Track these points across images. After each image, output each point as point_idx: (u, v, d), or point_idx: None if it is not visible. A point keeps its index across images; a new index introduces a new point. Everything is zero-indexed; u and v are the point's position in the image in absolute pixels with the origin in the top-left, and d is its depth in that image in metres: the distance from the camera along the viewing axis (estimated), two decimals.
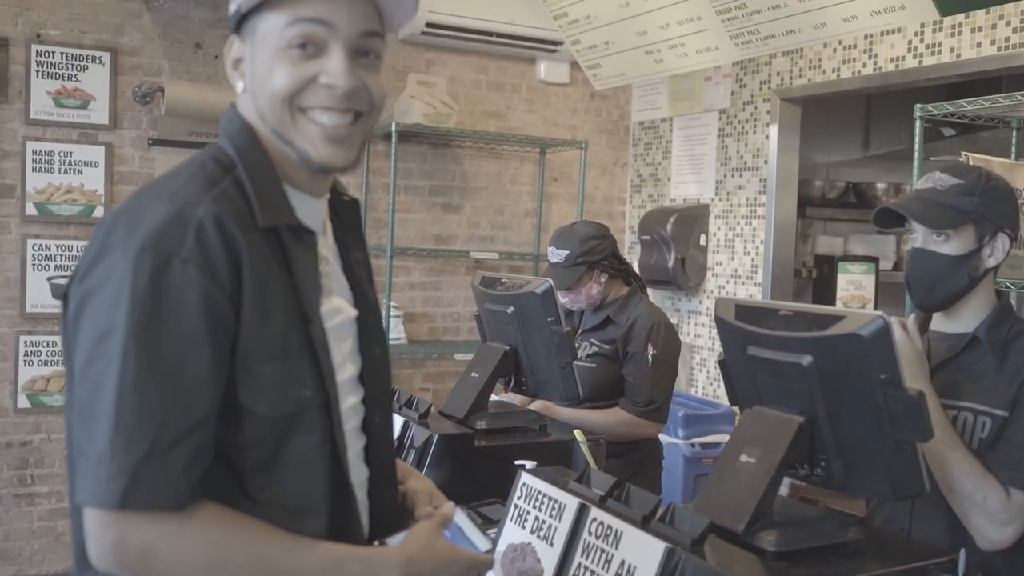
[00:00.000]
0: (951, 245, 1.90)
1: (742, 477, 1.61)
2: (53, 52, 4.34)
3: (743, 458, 1.63)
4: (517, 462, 2.02)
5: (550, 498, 1.77)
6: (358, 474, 1.39)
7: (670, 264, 4.89)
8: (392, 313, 4.87)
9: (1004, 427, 1.85)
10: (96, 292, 1.16)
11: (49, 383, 4.41)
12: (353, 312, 1.40)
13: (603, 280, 3.10)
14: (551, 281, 2.48)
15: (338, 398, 1.31)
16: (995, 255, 1.92)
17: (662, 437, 3.20)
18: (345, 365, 1.35)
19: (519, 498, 1.85)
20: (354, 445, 1.38)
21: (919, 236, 1.94)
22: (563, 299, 3.10)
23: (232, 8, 1.29)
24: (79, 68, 4.39)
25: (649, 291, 4.93)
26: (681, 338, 3.18)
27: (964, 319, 1.96)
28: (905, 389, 1.51)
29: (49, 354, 4.41)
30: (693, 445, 4.36)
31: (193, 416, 1.15)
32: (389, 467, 1.48)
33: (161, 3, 4.47)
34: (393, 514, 1.48)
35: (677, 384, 3.22)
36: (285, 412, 1.23)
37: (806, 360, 1.59)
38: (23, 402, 4.38)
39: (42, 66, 4.33)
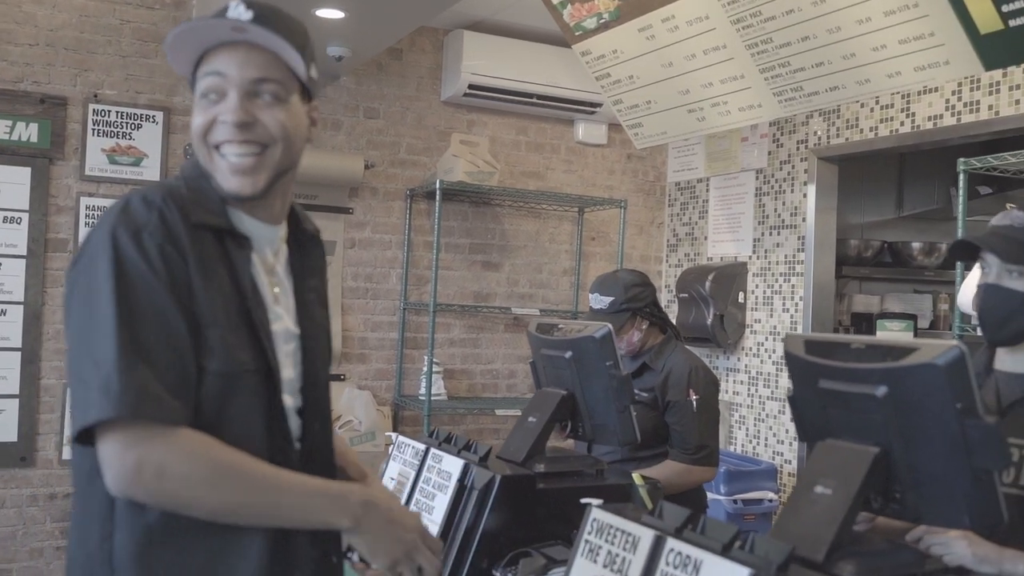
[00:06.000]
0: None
1: (818, 508, 1.62)
2: (109, 111, 4.49)
3: (818, 489, 1.64)
4: (584, 500, 2.03)
5: (623, 531, 1.77)
6: None
7: (708, 321, 4.92)
8: (433, 369, 4.90)
9: None
10: (84, 267, 1.42)
11: None
12: (294, 328, 1.60)
13: (644, 328, 3.14)
14: (610, 326, 2.51)
15: (279, 368, 1.50)
16: None
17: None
18: (285, 366, 1.55)
19: (589, 533, 1.86)
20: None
21: (992, 271, 1.99)
22: None
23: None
24: (133, 127, 4.53)
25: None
26: (720, 396, 3.19)
27: None
28: (982, 416, 1.53)
29: None
30: (736, 501, 4.34)
31: (175, 346, 1.37)
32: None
33: None
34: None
35: None
36: (228, 371, 1.42)
37: (880, 391, 1.60)
38: (69, 454, 4.40)
39: (98, 124, 4.47)
